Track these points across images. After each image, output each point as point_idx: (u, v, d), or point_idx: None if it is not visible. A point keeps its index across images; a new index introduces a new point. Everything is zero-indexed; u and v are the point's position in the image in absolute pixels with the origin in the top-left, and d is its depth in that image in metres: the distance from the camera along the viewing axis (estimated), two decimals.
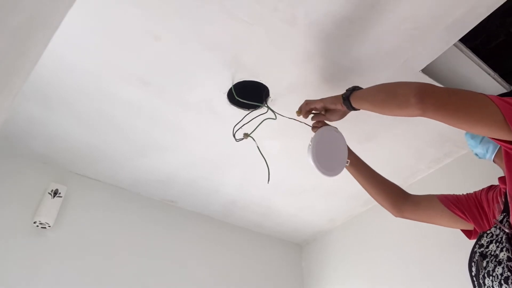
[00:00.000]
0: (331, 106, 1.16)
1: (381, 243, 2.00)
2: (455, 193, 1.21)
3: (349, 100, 1.07)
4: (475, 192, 1.16)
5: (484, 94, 0.82)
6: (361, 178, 1.29)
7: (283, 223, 2.37)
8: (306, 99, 1.26)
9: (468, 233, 1.16)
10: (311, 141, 1.20)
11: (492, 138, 0.84)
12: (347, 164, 1.25)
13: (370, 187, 1.28)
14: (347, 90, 1.10)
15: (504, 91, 1.50)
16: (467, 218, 1.12)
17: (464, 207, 1.13)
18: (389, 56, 1.31)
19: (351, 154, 1.30)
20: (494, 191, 1.09)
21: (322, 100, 1.19)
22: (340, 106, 1.12)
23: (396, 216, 1.27)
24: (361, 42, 1.25)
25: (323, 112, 1.21)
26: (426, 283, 1.72)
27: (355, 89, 1.08)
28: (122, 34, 1.23)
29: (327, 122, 1.26)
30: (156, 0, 1.12)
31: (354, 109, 1.08)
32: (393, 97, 0.90)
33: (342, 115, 1.20)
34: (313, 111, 1.23)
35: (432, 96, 0.83)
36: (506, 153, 0.88)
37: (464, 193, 1.19)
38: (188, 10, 1.15)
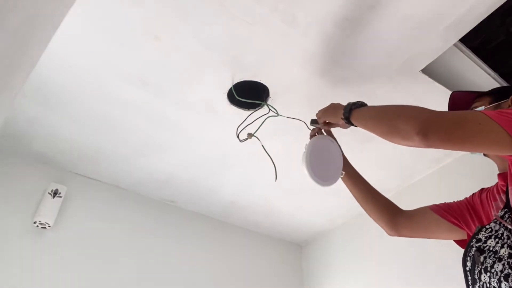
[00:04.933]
0: (333, 121, 1.17)
1: (381, 243, 1.99)
2: (454, 195, 1.19)
3: (350, 121, 1.06)
4: (466, 198, 1.15)
5: (485, 114, 0.80)
6: (356, 191, 1.27)
7: (283, 223, 2.37)
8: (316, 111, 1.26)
9: (462, 243, 1.13)
10: (305, 149, 1.19)
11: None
12: (342, 176, 1.23)
13: (364, 201, 1.26)
14: (345, 108, 1.07)
15: None
16: (461, 224, 1.10)
17: (456, 213, 1.11)
18: (389, 56, 1.31)
19: (348, 166, 1.28)
20: (488, 191, 1.08)
21: (324, 115, 1.19)
22: (341, 123, 1.11)
23: (391, 235, 1.24)
24: (361, 42, 1.25)
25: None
26: (426, 283, 1.72)
27: (353, 106, 1.05)
28: (122, 34, 1.23)
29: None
30: (156, 0, 1.12)
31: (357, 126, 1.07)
32: (395, 131, 0.88)
33: (346, 127, 1.18)
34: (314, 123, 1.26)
35: (436, 133, 0.81)
36: None
37: (456, 200, 1.17)
38: (188, 10, 1.15)
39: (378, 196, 1.26)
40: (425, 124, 0.82)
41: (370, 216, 1.27)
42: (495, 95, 1.05)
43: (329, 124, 1.22)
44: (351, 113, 1.04)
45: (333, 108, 1.16)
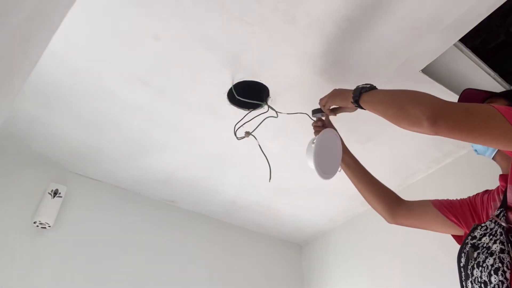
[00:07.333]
0: (342, 105, 1.18)
1: (381, 243, 2.00)
2: (454, 195, 1.21)
3: (359, 104, 1.06)
4: (469, 197, 1.16)
5: (495, 108, 0.81)
6: (356, 180, 1.28)
7: (283, 223, 2.37)
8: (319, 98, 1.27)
9: (459, 239, 1.15)
10: (312, 142, 1.20)
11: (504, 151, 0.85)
12: (339, 171, 1.24)
13: (365, 190, 1.27)
14: (355, 91, 1.07)
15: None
16: (460, 223, 1.11)
17: (457, 212, 1.13)
18: (389, 56, 1.31)
19: (348, 155, 1.30)
20: (489, 193, 1.10)
21: (331, 100, 1.20)
22: (350, 105, 1.11)
23: (389, 223, 1.26)
24: (361, 42, 1.25)
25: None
26: (426, 283, 1.72)
27: (362, 90, 1.06)
28: (122, 34, 1.23)
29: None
30: (156, 1, 1.12)
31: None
32: (405, 115, 0.88)
33: (354, 110, 1.20)
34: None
35: (445, 119, 0.81)
36: None
37: (458, 198, 1.18)
38: (188, 10, 1.15)
39: (377, 184, 1.28)
40: (436, 110, 0.82)
41: (370, 203, 1.29)
42: (509, 98, 1.05)
43: (335, 110, 1.22)
44: (360, 96, 1.05)
45: (339, 92, 1.18)
